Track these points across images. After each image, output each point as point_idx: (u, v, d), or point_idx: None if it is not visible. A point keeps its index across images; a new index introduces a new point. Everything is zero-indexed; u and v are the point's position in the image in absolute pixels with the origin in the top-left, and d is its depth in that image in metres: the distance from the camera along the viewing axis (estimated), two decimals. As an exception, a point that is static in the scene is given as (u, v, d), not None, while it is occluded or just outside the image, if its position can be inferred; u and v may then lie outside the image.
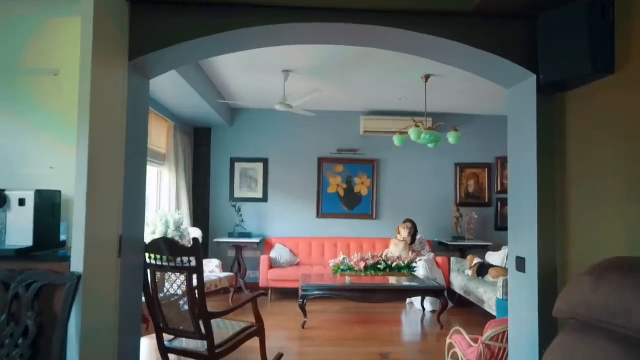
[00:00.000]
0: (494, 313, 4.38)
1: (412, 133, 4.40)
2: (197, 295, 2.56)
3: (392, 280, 4.87)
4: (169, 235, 4.36)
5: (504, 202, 6.80)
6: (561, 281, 2.20)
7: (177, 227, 4.47)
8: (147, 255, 2.61)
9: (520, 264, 2.38)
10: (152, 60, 2.31)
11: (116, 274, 2.09)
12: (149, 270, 2.63)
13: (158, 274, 2.63)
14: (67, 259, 1.80)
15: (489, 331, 2.61)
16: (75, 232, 1.78)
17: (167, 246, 2.56)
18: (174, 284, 2.61)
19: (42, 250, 1.91)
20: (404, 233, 5.81)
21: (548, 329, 2.18)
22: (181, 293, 2.59)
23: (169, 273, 2.60)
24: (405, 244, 5.66)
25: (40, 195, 1.92)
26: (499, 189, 6.82)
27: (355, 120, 6.69)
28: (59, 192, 2.03)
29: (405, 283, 4.77)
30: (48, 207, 1.96)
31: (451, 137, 4.62)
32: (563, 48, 1.94)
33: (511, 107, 2.54)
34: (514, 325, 2.44)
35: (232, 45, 2.45)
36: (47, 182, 2.09)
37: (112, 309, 2.06)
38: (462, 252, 6.38)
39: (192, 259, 2.51)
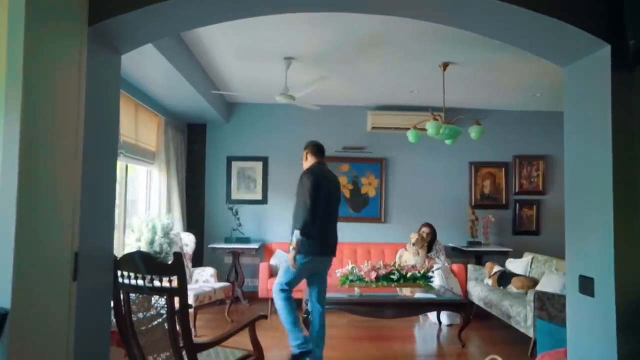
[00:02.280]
0: (523, 330, 3.89)
1: (430, 127, 3.91)
2: (180, 323, 2.06)
3: (406, 291, 4.37)
4: (157, 243, 3.87)
5: (522, 204, 6.31)
6: (648, 310, 1.71)
7: (166, 233, 3.97)
8: (119, 272, 2.11)
9: (586, 285, 1.88)
10: (121, 27, 1.81)
11: (69, 304, 1.60)
12: (121, 291, 2.13)
13: (133, 295, 2.13)
14: (-11, 288, 1.31)
15: (542, 366, 2.12)
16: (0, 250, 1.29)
17: (143, 262, 2.06)
18: (153, 308, 2.11)
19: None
20: (413, 239, 5.24)
21: (632, 372, 1.68)
22: (161, 320, 2.09)
23: (146, 295, 2.10)
24: (421, 251, 5.15)
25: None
26: (517, 190, 6.32)
27: (362, 116, 6.20)
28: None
29: (419, 295, 4.26)
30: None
31: (473, 132, 4.13)
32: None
33: (572, 88, 2.05)
34: (577, 362, 1.95)
35: (225, 10, 1.95)
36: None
37: (63, 350, 1.56)
38: (478, 258, 5.88)
39: (174, 278, 2.01)
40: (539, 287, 4.14)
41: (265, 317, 2.57)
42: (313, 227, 3.39)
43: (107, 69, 1.91)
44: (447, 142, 4.41)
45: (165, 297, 2.03)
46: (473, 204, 6.25)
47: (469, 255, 5.93)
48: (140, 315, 2.14)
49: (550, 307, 3.69)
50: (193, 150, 6.17)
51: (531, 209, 6.32)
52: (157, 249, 3.88)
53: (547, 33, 1.90)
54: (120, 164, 4.54)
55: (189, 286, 4.71)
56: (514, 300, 4.13)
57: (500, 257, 5.71)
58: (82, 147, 1.67)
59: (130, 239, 3.94)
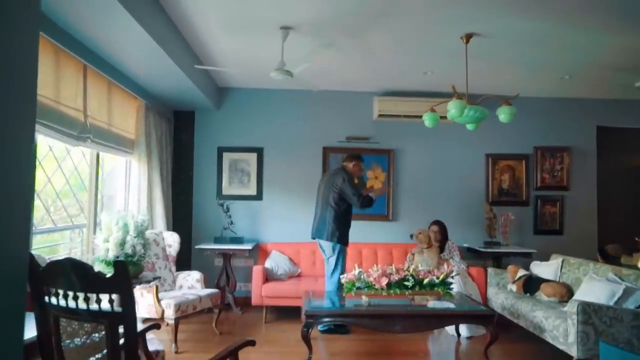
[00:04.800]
0: (562, 347, 3.28)
1: (453, 107, 3.30)
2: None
3: (418, 300, 3.76)
4: (128, 244, 3.26)
5: (545, 200, 5.72)
6: None
7: (140, 233, 3.36)
8: (45, 288, 1.50)
9: None
10: None
11: None
12: (50, 315, 1.53)
13: (64, 321, 1.53)
14: None
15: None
16: None
17: (76, 274, 1.46)
18: (90, 338, 1.51)
19: None
20: (415, 232, 4.63)
21: None
22: (100, 356, 1.49)
23: (82, 321, 1.50)
24: (427, 251, 4.54)
25: None
26: (539, 185, 5.72)
27: (368, 102, 5.60)
28: None
29: (436, 304, 3.64)
30: None
31: (502, 114, 3.52)
32: None
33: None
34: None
35: None
36: None
37: None
38: (497, 260, 5.29)
39: (117, 297, 1.41)
40: (578, 296, 3.54)
41: (253, 342, 1.97)
42: None
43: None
44: (469, 127, 3.81)
45: (104, 324, 1.43)
46: (490, 200, 5.65)
47: (485, 257, 5.34)
48: (73, 346, 1.54)
49: (597, 321, 3.09)
50: (180, 141, 5.56)
51: (554, 205, 5.72)
52: (129, 251, 3.27)
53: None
54: (90, 152, 3.94)
55: (171, 293, 4.12)
56: (549, 311, 3.52)
57: (522, 259, 5.11)
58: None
59: (98, 239, 3.33)
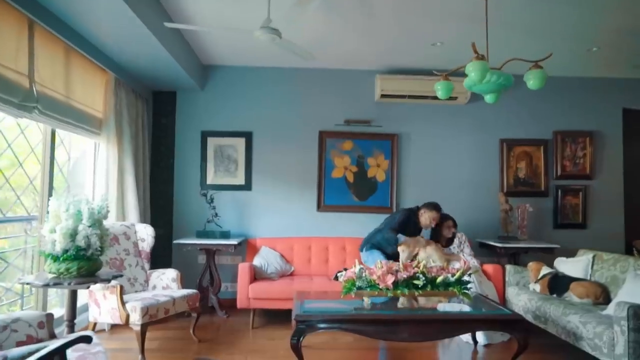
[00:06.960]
0: None
1: (473, 69, 2.71)
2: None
3: (424, 301, 3.19)
4: (81, 235, 2.68)
5: (566, 190, 5.15)
6: None
7: (96, 222, 2.79)
8: None
9: None
10: None
11: None
12: None
13: None
14: None
15: None
16: None
17: None
18: None
19: None
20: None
21: None
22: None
23: None
24: (430, 248, 3.97)
25: None
26: (559, 174, 5.15)
27: (369, 81, 5.03)
28: None
29: (446, 307, 3.05)
30: None
31: (532, 79, 2.95)
32: None
33: None
34: None
35: None
36: None
37: None
38: (514, 257, 4.71)
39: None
40: (623, 297, 2.97)
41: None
42: None
43: None
44: (489, 98, 3.23)
45: None
46: (505, 190, 5.08)
47: (500, 254, 4.75)
48: None
49: (652, 329, 2.52)
50: (160, 124, 4.99)
51: (576, 196, 5.15)
52: (82, 243, 2.70)
53: None
54: (44, 129, 3.37)
55: (142, 294, 3.50)
56: (587, 316, 2.95)
57: (542, 255, 4.53)
58: None
59: (44, 230, 2.76)
